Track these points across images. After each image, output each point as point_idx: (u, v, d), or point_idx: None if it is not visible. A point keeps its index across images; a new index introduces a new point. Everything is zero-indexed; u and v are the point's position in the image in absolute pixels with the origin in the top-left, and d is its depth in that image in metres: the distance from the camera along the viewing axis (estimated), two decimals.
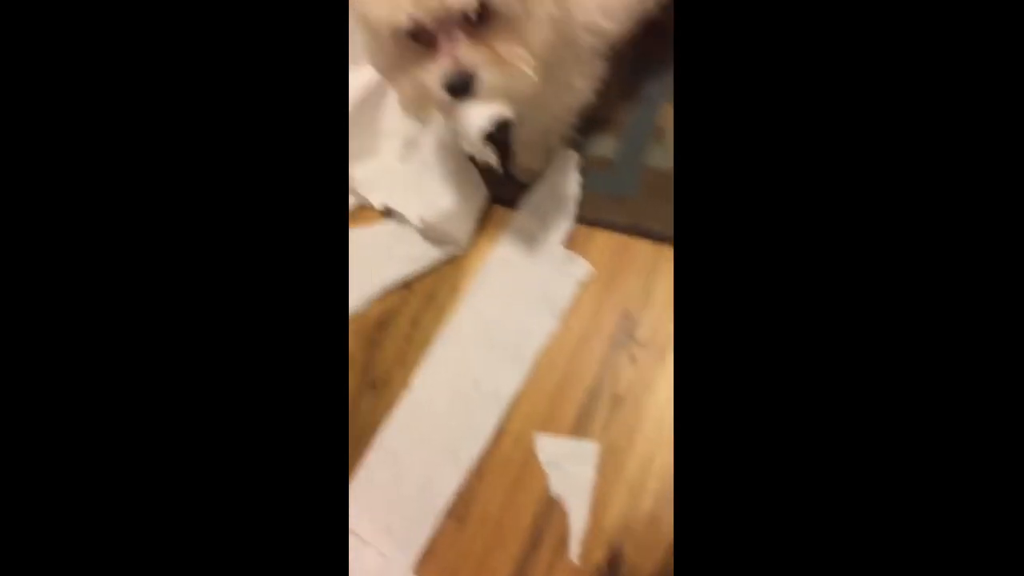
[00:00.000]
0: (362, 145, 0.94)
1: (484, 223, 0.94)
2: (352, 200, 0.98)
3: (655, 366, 0.81)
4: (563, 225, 0.88)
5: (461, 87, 0.53)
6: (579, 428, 0.80)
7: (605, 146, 0.91)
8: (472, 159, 0.91)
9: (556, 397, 0.82)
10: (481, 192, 0.92)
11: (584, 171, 0.90)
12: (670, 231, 0.84)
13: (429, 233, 0.90)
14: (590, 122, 0.90)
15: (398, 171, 0.95)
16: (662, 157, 0.88)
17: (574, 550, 0.73)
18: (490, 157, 0.75)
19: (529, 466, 0.80)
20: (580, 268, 0.86)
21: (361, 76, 0.87)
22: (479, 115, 0.56)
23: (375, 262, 0.93)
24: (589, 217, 0.88)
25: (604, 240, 0.88)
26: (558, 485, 0.77)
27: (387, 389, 0.89)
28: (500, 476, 0.80)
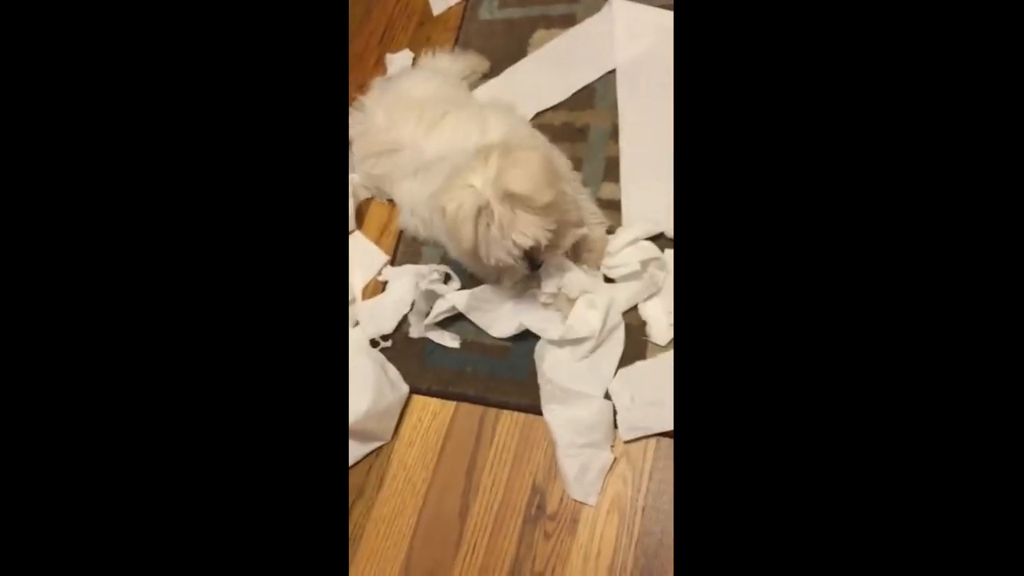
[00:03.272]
0: None
1: (406, 413, 1.03)
2: None
3: (567, 538, 0.86)
4: None
5: (536, 265, 0.92)
6: None
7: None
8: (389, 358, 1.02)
9: None
10: (400, 390, 1.01)
11: (487, 360, 1.00)
12: None
13: (353, 434, 0.98)
14: None
15: None
16: None
17: None
18: (447, 340, 1.02)
19: None
20: None
21: None
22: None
23: None
24: (493, 399, 0.97)
25: (509, 420, 0.96)
26: None
27: None
28: None
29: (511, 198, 0.81)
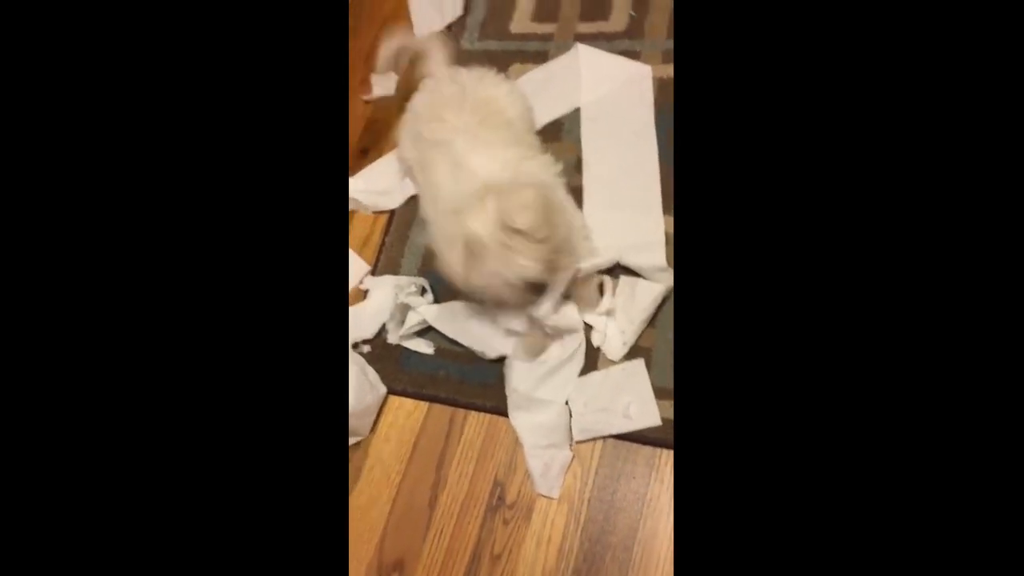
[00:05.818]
0: None
1: (383, 411, 1.14)
2: None
3: (523, 525, 0.99)
4: None
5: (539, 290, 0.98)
6: None
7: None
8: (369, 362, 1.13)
9: (446, 563, 0.99)
10: (378, 390, 1.12)
11: (459, 365, 1.12)
12: None
13: None
14: None
15: None
16: None
17: None
18: (422, 347, 1.14)
19: None
20: None
21: None
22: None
23: None
24: (462, 401, 1.09)
25: (476, 420, 1.08)
26: None
27: None
28: None
29: (510, 233, 0.89)
